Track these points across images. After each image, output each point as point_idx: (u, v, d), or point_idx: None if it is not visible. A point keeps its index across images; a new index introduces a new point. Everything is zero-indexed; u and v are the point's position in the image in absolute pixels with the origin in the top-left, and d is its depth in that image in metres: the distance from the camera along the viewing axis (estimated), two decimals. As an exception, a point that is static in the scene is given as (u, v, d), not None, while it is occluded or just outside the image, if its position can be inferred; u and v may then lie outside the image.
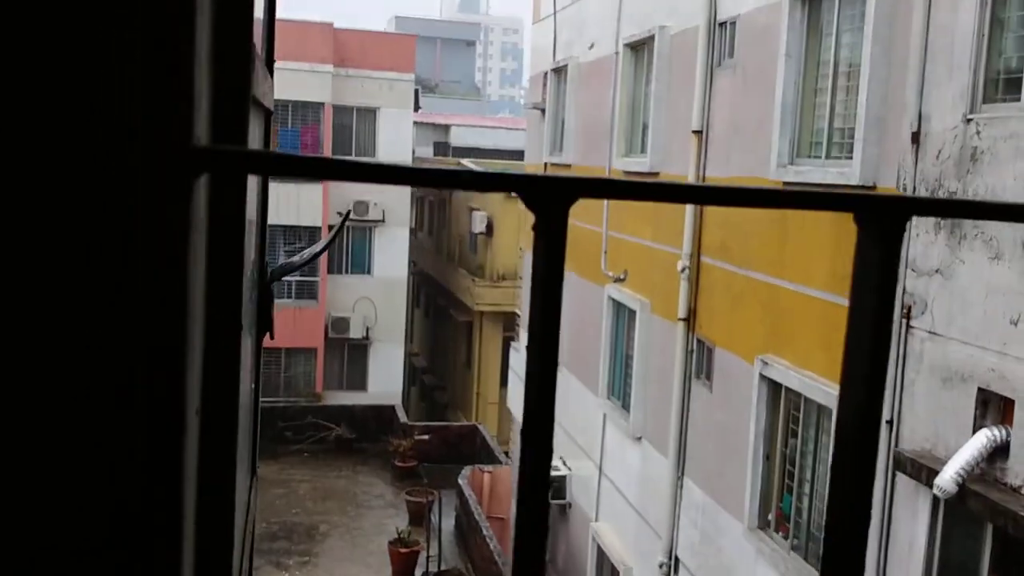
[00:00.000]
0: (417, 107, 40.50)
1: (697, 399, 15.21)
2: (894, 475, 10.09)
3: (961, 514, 9.24)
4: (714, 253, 14.66)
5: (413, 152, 41.24)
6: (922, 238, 9.89)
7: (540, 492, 0.79)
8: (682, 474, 15.55)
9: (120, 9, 0.75)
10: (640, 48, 18.01)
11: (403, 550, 25.10)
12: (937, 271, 9.66)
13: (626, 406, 18.06)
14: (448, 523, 26.79)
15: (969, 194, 9.30)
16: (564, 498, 20.99)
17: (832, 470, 0.84)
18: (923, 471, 9.37)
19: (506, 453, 29.82)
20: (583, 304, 20.23)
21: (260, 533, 26.42)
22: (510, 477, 26.20)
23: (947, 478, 8.74)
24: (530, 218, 0.76)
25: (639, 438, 17.33)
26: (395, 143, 37.41)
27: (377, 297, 37.77)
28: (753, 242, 13.40)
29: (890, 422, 10.22)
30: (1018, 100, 8.96)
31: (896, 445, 10.11)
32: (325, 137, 36.54)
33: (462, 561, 26.27)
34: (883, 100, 10.70)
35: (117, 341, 0.78)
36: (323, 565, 25.80)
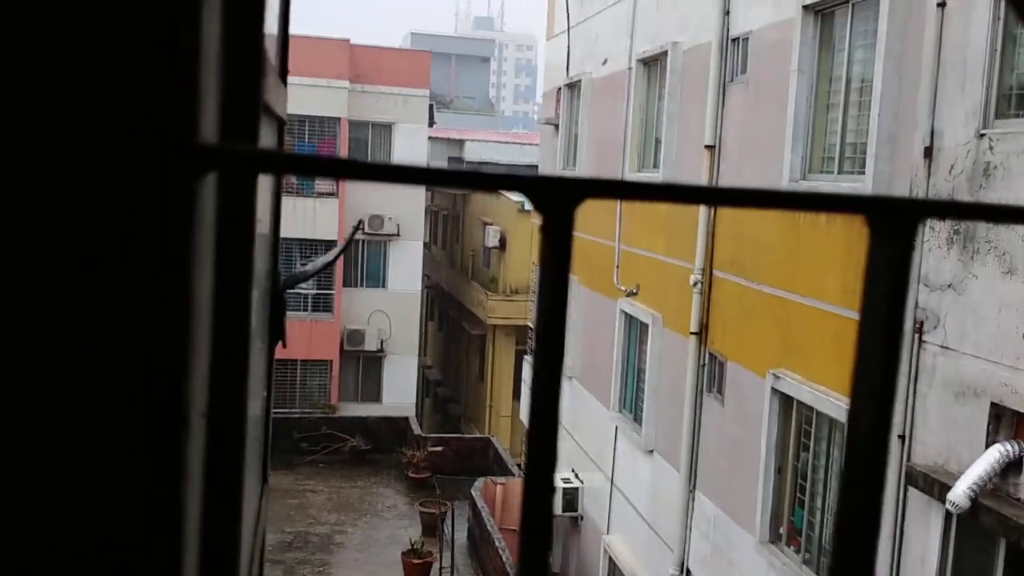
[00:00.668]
0: (432, 122, 40.56)
1: (709, 412, 15.18)
2: (906, 490, 10.05)
3: (973, 529, 9.20)
4: (726, 267, 14.64)
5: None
6: (935, 253, 9.87)
7: (546, 497, 0.79)
8: (694, 487, 15.52)
9: (120, 8, 0.75)
10: (653, 64, 18.01)
11: (416, 561, 25.12)
12: (950, 286, 9.63)
13: (638, 419, 18.03)
14: (461, 534, 26.77)
15: (982, 209, 9.26)
16: (576, 510, 20.97)
17: (841, 480, 0.84)
18: (935, 486, 9.33)
19: (518, 465, 29.76)
20: (595, 318, 20.23)
21: (275, 543, 26.48)
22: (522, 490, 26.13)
23: (959, 493, 8.70)
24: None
25: (651, 451, 17.30)
26: (410, 158, 37.43)
27: (392, 310, 37.81)
28: (765, 256, 13.37)
29: (902, 437, 10.18)
30: (1031, 115, 8.95)
31: (908, 459, 10.07)
32: (341, 152, 36.60)
33: (474, 572, 26.27)
34: (895, 116, 10.69)
35: (116, 341, 0.78)
36: (337, 575, 25.81)
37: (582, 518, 21.00)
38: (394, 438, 34.65)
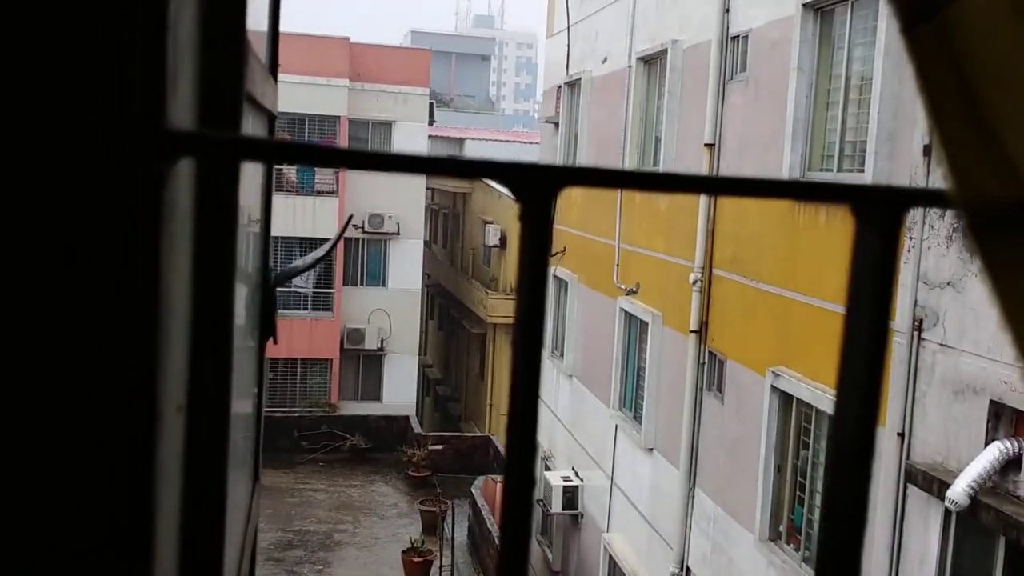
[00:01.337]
0: (432, 121, 40.58)
1: (708, 411, 15.18)
2: (906, 487, 10.05)
3: (973, 527, 9.19)
4: (726, 265, 14.64)
5: (427, 165, 41.16)
6: (934, 251, 9.86)
7: (526, 489, 0.78)
8: (693, 485, 15.52)
9: None
10: (653, 62, 18.01)
11: (416, 559, 25.15)
12: (949, 283, 9.62)
13: (638, 418, 18.03)
14: (461, 532, 26.83)
15: (982, 206, 9.26)
16: (576, 508, 20.99)
17: (827, 475, 0.82)
18: (935, 484, 9.33)
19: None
20: (596, 316, 20.23)
21: (276, 541, 26.53)
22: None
23: (959, 491, 8.70)
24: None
25: (651, 449, 17.30)
26: (410, 156, 37.38)
27: (392, 309, 37.84)
28: (765, 254, 13.37)
29: (902, 434, 10.17)
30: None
31: (908, 457, 10.06)
32: (341, 151, 36.59)
33: (474, 570, 26.31)
34: (895, 113, 10.68)
35: (78, 334, 0.76)
36: (337, 574, 25.85)
37: (582, 516, 21.01)
38: (394, 437, 34.73)
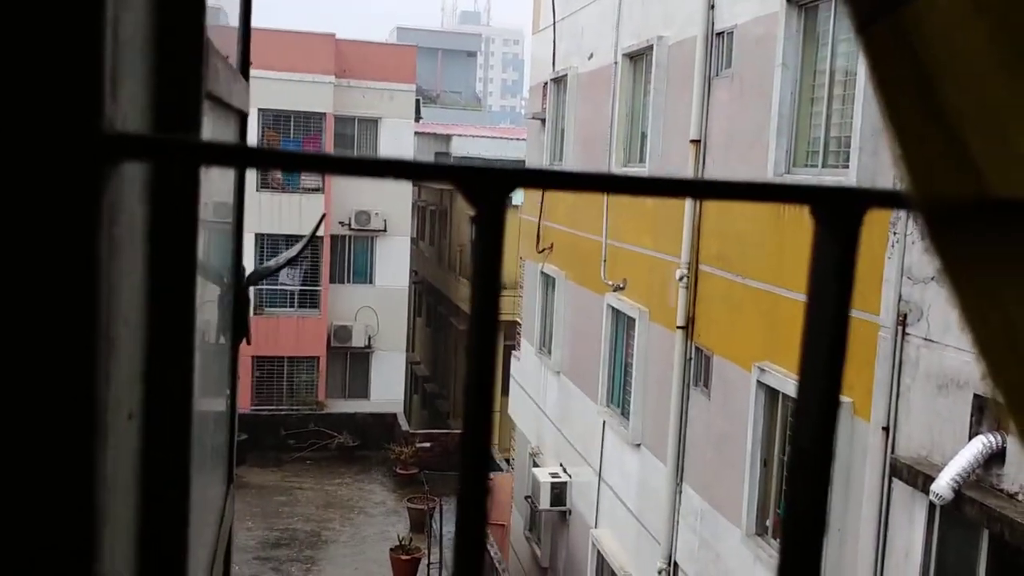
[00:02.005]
0: (418, 117, 40.56)
1: (695, 406, 15.20)
2: (890, 481, 10.06)
3: (957, 520, 9.21)
4: (712, 261, 14.65)
5: (414, 161, 41.16)
6: (918, 245, 9.87)
7: (479, 486, 0.76)
8: (681, 481, 15.54)
9: None
10: (639, 58, 18.01)
11: (404, 557, 25.17)
12: (932, 278, 9.63)
13: (625, 413, 18.05)
14: (449, 530, 26.82)
15: (966, 201, 9.27)
16: (564, 504, 20.99)
17: (788, 480, 0.81)
18: (919, 477, 9.34)
19: (507, 460, 29.79)
20: (583, 312, 20.24)
21: (263, 540, 26.52)
22: (510, 484, 26.21)
23: (943, 484, 8.71)
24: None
25: (638, 445, 17.31)
26: (396, 153, 37.43)
27: (379, 306, 37.83)
28: (751, 250, 13.38)
29: (886, 429, 10.19)
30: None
31: (892, 451, 10.08)
32: (327, 147, 36.60)
33: (462, 569, 26.28)
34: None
35: (8, 342, 0.74)
36: (325, 572, 25.86)
37: (570, 512, 21.02)
38: (382, 434, 34.76)
